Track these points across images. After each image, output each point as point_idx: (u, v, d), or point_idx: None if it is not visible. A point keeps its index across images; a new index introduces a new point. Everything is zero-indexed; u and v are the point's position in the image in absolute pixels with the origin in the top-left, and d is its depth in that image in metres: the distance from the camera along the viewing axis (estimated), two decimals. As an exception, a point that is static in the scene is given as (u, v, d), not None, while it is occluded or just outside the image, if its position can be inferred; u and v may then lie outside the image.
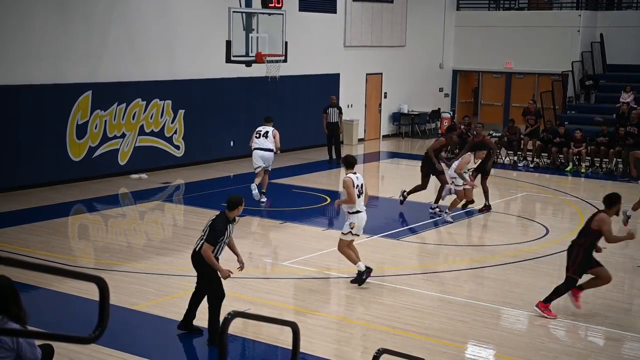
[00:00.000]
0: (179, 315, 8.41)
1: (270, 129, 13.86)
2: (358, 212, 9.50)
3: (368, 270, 9.57)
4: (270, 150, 13.70)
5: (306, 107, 20.65)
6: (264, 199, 14.04)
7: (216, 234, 7.53)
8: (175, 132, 17.54)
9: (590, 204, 14.65)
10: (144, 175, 16.44)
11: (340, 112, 19.11)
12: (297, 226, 12.58)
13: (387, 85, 23.73)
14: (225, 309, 7.35)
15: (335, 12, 21.49)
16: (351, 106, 22.27)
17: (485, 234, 12.73)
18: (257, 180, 13.85)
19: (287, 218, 13.11)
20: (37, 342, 5.04)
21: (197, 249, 7.66)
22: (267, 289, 9.47)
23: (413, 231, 12.68)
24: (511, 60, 24.86)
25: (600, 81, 23.18)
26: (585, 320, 8.71)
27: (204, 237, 7.57)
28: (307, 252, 11.13)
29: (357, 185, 9.44)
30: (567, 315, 8.82)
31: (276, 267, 10.34)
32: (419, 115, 24.36)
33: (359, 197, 9.44)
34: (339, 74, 21.79)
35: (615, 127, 18.90)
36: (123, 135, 16.41)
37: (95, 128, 15.84)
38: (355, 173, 9.56)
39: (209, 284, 7.66)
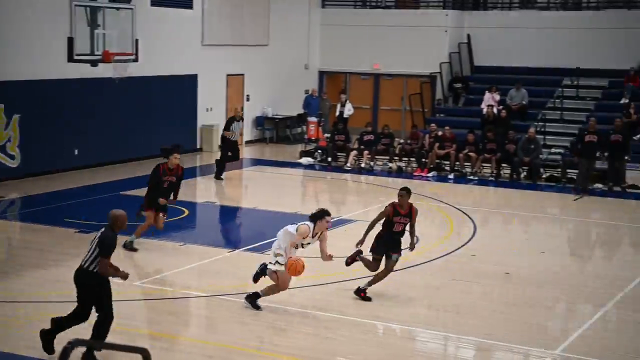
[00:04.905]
0: (19, 349, 8.04)
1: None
2: None
3: None
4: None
5: (162, 111, 20.38)
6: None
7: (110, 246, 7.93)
8: (9, 140, 16.81)
9: (460, 210, 15.38)
10: (-28, 189, 15.67)
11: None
12: (149, 242, 12.32)
13: (250, 87, 23.84)
14: (67, 338, 7.10)
15: (191, 8, 21.36)
16: (211, 110, 22.20)
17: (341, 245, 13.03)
18: None
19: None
20: None
21: (91, 267, 7.80)
22: (117, 312, 9.24)
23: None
24: (379, 61, 25.66)
25: (470, 83, 24.38)
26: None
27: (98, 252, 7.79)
28: (163, 269, 10.99)
29: None
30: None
31: (126, 288, 10.11)
32: (284, 119, 24.64)
33: None
34: (197, 75, 21.67)
35: (482, 131, 19.86)
36: (-53, 144, 15.53)
37: None
38: None
39: (102, 299, 7.89)
